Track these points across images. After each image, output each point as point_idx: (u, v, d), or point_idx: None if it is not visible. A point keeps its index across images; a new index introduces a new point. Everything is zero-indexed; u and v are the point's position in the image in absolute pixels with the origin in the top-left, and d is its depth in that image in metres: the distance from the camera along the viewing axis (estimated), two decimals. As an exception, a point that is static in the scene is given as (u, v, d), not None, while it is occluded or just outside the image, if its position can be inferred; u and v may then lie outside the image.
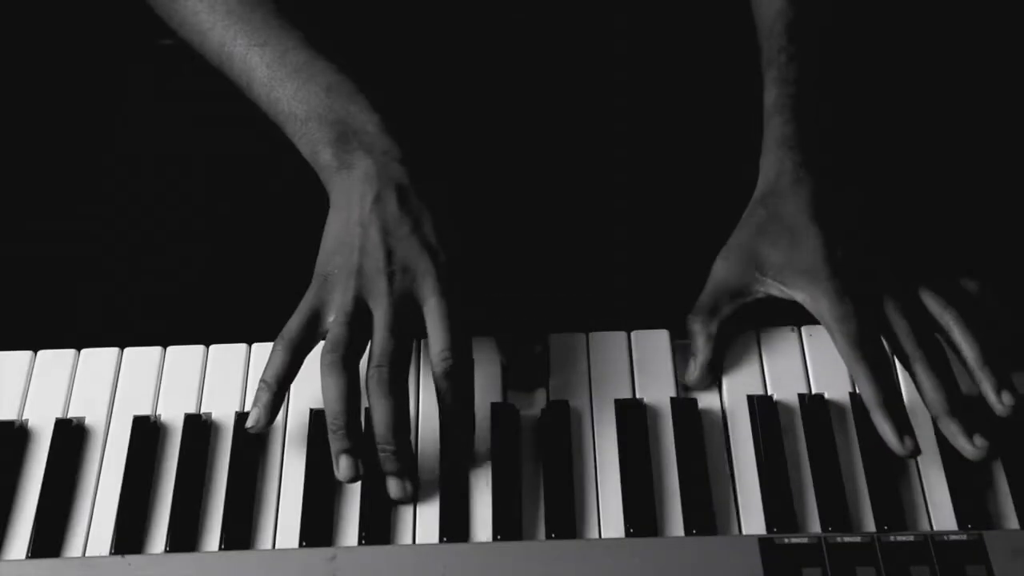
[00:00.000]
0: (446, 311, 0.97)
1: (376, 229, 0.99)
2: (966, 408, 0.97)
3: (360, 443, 0.95)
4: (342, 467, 0.94)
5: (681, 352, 1.04)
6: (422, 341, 1.03)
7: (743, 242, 1.04)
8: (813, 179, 1.04)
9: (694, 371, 1.02)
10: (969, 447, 0.96)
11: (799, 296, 1.01)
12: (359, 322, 0.98)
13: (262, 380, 0.97)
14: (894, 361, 1.00)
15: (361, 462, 0.95)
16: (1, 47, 1.32)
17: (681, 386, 1.03)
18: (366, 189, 1.00)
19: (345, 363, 0.96)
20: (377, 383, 0.95)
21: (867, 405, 0.97)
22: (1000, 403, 0.97)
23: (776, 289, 1.02)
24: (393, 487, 0.95)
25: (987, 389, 0.98)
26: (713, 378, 1.02)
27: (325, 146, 1.03)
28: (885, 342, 0.99)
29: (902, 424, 0.96)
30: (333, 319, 0.98)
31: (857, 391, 1.00)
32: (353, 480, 0.95)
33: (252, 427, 0.97)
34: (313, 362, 0.98)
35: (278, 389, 0.97)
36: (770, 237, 1.03)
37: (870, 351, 0.97)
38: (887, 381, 0.97)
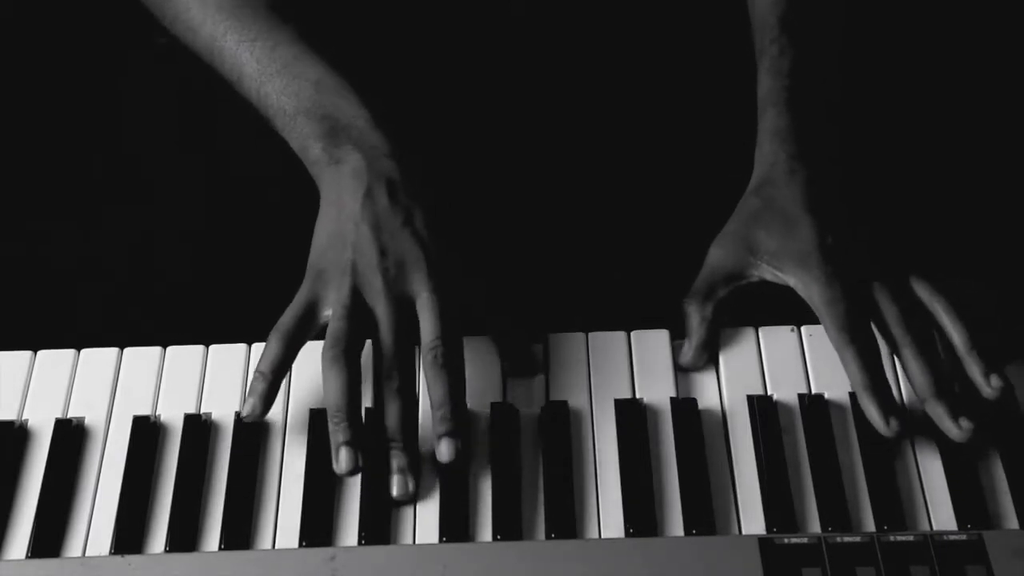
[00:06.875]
0: (438, 303, 0.98)
1: (368, 225, 1.00)
2: (953, 392, 0.98)
3: (360, 436, 0.96)
4: (342, 459, 0.95)
5: (680, 351, 1.04)
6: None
7: (738, 229, 1.06)
8: (806, 170, 1.05)
9: (688, 352, 1.03)
10: (955, 430, 0.97)
11: (791, 280, 1.02)
12: (358, 316, 0.98)
13: (257, 371, 0.98)
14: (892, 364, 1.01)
15: (361, 455, 0.95)
16: (0, 48, 1.32)
17: (676, 367, 1.03)
18: (356, 184, 1.01)
19: (347, 357, 0.96)
20: (387, 382, 0.97)
21: (854, 387, 0.98)
22: (988, 387, 0.98)
23: (769, 273, 1.04)
24: (398, 484, 0.96)
25: (975, 373, 0.99)
26: (707, 359, 1.04)
27: (315, 141, 1.04)
28: (874, 328, 1.00)
29: (888, 405, 0.97)
30: (332, 313, 0.99)
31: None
32: (353, 473, 0.95)
33: (247, 416, 0.98)
34: (313, 363, 0.99)
35: (273, 379, 0.98)
36: (764, 224, 1.04)
37: (858, 335, 0.99)
38: (874, 363, 0.98)
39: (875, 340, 1.00)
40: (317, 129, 1.04)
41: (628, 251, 1.16)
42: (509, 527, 0.95)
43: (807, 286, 1.01)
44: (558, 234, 1.17)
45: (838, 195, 1.06)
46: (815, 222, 1.03)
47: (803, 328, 1.05)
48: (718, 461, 0.98)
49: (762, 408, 1.00)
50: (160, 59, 1.28)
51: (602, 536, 0.95)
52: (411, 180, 1.02)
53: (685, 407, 1.00)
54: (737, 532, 0.95)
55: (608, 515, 0.96)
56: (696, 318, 1.03)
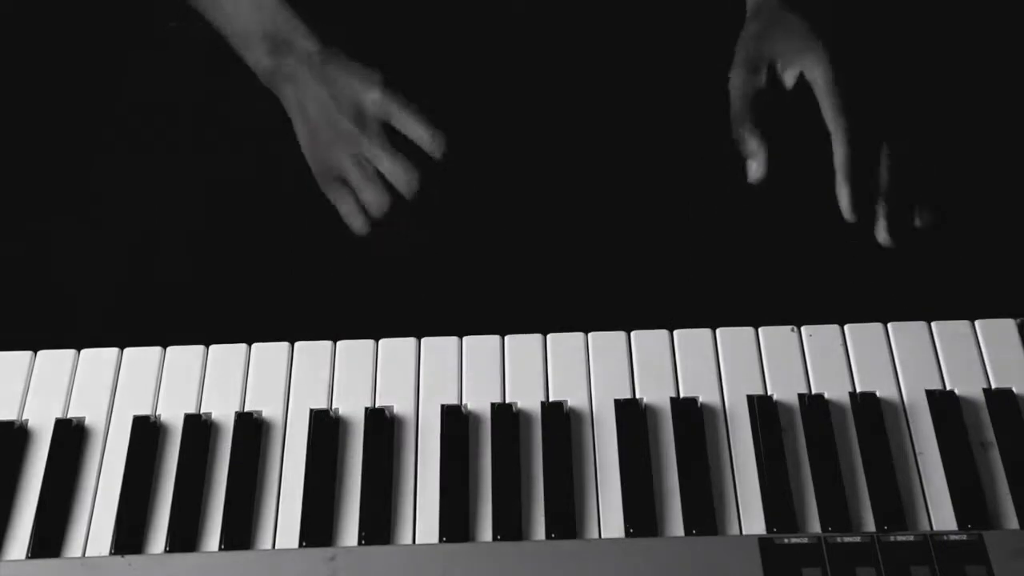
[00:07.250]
0: (401, 102, 1.11)
1: (324, 103, 1.14)
2: (895, 204, 1.07)
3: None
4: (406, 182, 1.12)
5: (682, 351, 1.04)
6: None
7: (745, 50, 1.13)
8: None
9: (759, 168, 1.08)
10: (883, 233, 1.06)
11: (802, 65, 1.09)
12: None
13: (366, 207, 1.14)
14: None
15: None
16: (1, 48, 1.32)
17: (675, 371, 1.03)
18: (307, 88, 1.15)
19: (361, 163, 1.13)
20: (381, 148, 1.12)
21: (836, 168, 1.05)
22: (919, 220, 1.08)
23: (786, 73, 1.11)
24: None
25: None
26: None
27: (263, 56, 1.18)
28: None
29: (859, 196, 1.04)
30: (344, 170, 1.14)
31: (854, 388, 1.01)
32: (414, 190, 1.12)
33: (410, 194, 1.12)
34: (312, 364, 0.99)
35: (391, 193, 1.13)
36: (768, 38, 1.12)
37: (855, 120, 1.05)
38: (861, 151, 1.05)
39: (868, 132, 1.06)
40: (264, 46, 1.18)
41: (628, 251, 1.16)
42: (509, 527, 0.95)
43: (814, 66, 1.08)
44: (558, 234, 1.17)
45: (827, 12, 1.13)
46: (811, 22, 1.11)
47: (803, 328, 1.05)
48: (718, 461, 0.98)
49: (762, 408, 1.00)
50: (159, 61, 1.29)
51: (602, 536, 0.95)
52: (344, 61, 1.16)
53: (685, 407, 1.00)
54: (737, 532, 0.95)
55: (608, 515, 0.96)
56: (754, 136, 1.08)
